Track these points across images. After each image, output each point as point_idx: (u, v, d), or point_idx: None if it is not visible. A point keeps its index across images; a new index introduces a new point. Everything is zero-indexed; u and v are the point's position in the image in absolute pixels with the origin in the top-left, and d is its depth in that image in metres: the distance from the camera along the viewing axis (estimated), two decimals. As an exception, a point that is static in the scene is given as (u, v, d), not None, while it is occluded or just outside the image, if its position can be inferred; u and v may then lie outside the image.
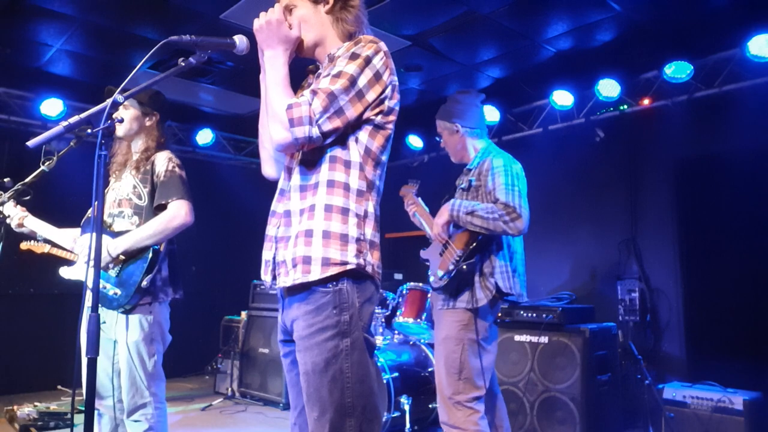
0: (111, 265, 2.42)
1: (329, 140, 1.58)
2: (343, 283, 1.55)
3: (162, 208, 2.47)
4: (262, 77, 1.71)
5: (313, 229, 1.55)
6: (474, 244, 2.55)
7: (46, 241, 2.73)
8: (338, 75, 1.56)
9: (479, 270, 2.56)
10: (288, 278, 1.58)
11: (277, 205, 1.70)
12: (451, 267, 2.55)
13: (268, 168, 1.86)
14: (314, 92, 1.55)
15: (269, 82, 1.62)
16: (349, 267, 1.54)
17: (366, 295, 1.59)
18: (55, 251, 3.09)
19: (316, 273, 1.53)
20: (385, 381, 3.93)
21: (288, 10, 1.73)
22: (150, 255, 2.42)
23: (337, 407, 1.51)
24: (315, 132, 1.52)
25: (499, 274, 2.55)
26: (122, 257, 2.42)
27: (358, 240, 1.57)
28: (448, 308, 2.59)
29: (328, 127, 1.54)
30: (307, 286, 1.55)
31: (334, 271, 1.53)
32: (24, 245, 2.83)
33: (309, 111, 1.52)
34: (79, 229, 2.67)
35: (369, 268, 1.59)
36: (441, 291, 2.62)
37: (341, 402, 1.51)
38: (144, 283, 2.38)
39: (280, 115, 1.54)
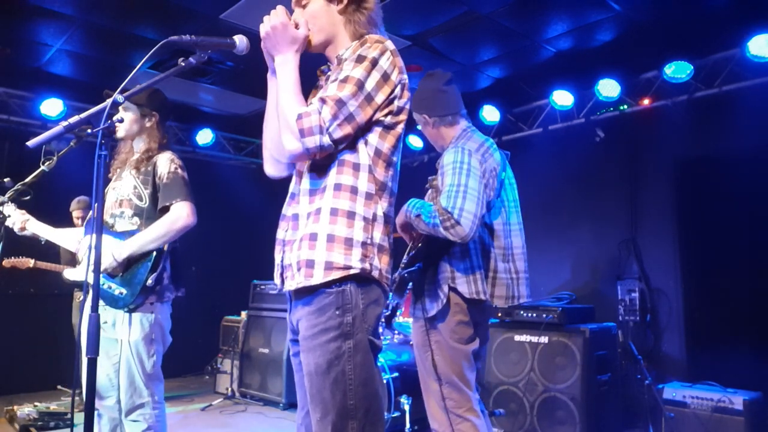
0: (119, 269, 2.42)
1: (342, 146, 1.57)
2: (347, 284, 1.54)
3: (165, 210, 2.48)
4: (269, 77, 1.70)
5: (318, 232, 1.55)
6: (414, 252, 2.38)
7: (47, 242, 2.73)
8: (345, 80, 1.55)
9: (429, 277, 2.36)
10: (293, 282, 1.58)
11: (287, 209, 1.70)
12: (395, 274, 2.39)
13: (269, 167, 1.86)
14: (323, 100, 1.53)
15: (280, 89, 1.61)
16: (352, 272, 1.53)
17: (371, 297, 1.57)
18: (40, 265, 3.09)
19: (318, 277, 1.52)
20: (385, 381, 3.93)
21: (301, 5, 1.72)
22: (154, 254, 2.43)
23: (339, 409, 1.50)
24: (326, 141, 1.51)
25: (461, 279, 2.32)
26: (126, 260, 2.43)
27: (364, 244, 1.55)
28: (412, 315, 2.46)
29: (339, 134, 1.52)
30: (311, 289, 1.55)
31: (336, 275, 1.52)
32: (6, 262, 2.81)
33: (319, 120, 1.50)
34: (80, 229, 2.67)
35: (375, 273, 1.57)
36: (398, 296, 2.50)
37: (343, 404, 1.50)
38: (149, 281, 2.39)
39: (291, 125, 1.53)
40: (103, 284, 2.47)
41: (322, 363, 1.51)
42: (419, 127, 2.69)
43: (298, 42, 1.64)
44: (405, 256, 2.41)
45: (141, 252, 2.43)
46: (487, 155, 2.41)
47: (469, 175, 2.27)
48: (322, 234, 1.54)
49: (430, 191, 2.52)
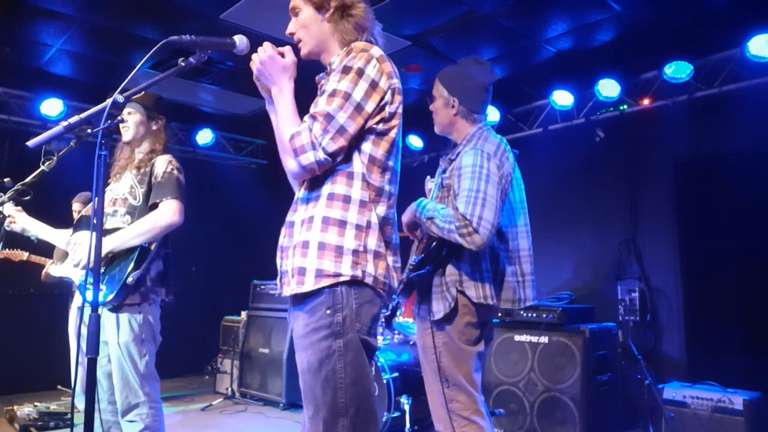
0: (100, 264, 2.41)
1: (339, 159, 1.59)
2: (339, 286, 1.56)
3: (155, 207, 2.49)
4: (268, 108, 1.75)
5: (310, 240, 1.58)
6: (424, 254, 2.32)
7: (39, 241, 2.72)
8: (333, 94, 1.58)
9: (438, 280, 2.31)
10: (288, 288, 1.63)
11: (289, 215, 1.73)
12: (403, 276, 2.32)
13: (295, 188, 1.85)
14: (313, 117, 1.57)
15: (279, 117, 1.66)
16: (342, 279, 1.55)
17: (365, 297, 1.59)
18: (33, 258, 3.08)
19: (309, 284, 1.56)
20: (385, 381, 3.93)
21: (294, 12, 1.76)
22: (137, 252, 2.41)
23: (330, 407, 1.53)
24: (321, 156, 1.55)
25: (468, 282, 2.27)
26: (110, 255, 2.42)
27: (355, 252, 1.57)
28: (416, 316, 2.42)
29: (332, 147, 1.55)
30: (304, 294, 1.58)
31: (326, 282, 1.55)
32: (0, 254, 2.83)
33: (310, 137, 1.54)
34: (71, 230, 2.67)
35: (369, 279, 1.58)
36: (404, 297, 2.46)
37: (334, 402, 1.53)
38: (130, 279, 2.37)
39: (287, 146, 1.59)
40: (83, 281, 2.45)
41: (314, 361, 1.54)
42: (431, 102, 2.55)
43: (289, 69, 1.68)
44: (412, 257, 2.37)
45: (124, 247, 2.41)
46: (504, 159, 2.35)
47: (488, 182, 2.21)
48: (314, 242, 1.57)
49: (438, 191, 2.44)
